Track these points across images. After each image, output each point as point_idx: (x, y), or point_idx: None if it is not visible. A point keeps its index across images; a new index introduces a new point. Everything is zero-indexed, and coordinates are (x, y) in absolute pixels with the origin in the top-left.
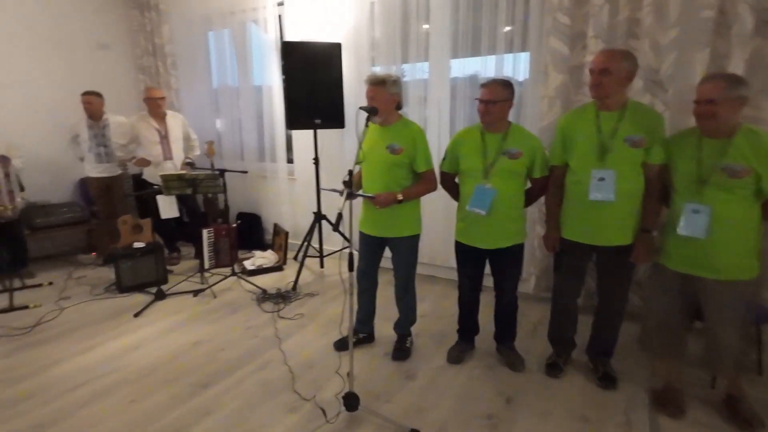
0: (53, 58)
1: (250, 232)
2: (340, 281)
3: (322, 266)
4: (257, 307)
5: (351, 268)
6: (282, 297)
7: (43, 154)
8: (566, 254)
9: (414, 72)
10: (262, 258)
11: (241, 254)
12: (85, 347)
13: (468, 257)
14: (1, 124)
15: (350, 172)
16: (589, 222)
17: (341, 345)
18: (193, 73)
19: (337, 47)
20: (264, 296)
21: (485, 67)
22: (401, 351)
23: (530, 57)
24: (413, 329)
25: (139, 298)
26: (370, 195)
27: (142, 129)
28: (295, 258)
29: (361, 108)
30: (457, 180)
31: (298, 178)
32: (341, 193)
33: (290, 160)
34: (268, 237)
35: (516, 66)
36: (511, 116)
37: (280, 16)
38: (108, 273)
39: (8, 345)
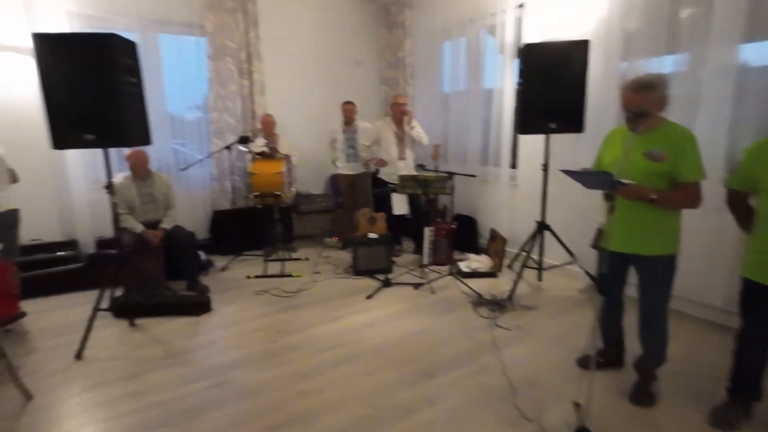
0: (321, 73)
1: (466, 234)
2: (563, 298)
3: (539, 279)
4: (473, 311)
5: (601, 291)
6: (498, 305)
7: (309, 153)
8: None
9: (678, 64)
10: (477, 262)
11: (455, 255)
12: (332, 317)
13: (763, 300)
14: (286, 128)
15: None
16: None
17: (584, 362)
18: (427, 81)
19: (582, 45)
20: (480, 301)
21: None
22: (644, 395)
23: None
24: (659, 372)
25: (369, 282)
26: (622, 181)
27: (383, 132)
28: (510, 266)
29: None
30: (751, 201)
31: (520, 184)
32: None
33: (513, 165)
34: (482, 241)
35: None
36: None
37: (518, 19)
38: (346, 256)
39: (281, 303)
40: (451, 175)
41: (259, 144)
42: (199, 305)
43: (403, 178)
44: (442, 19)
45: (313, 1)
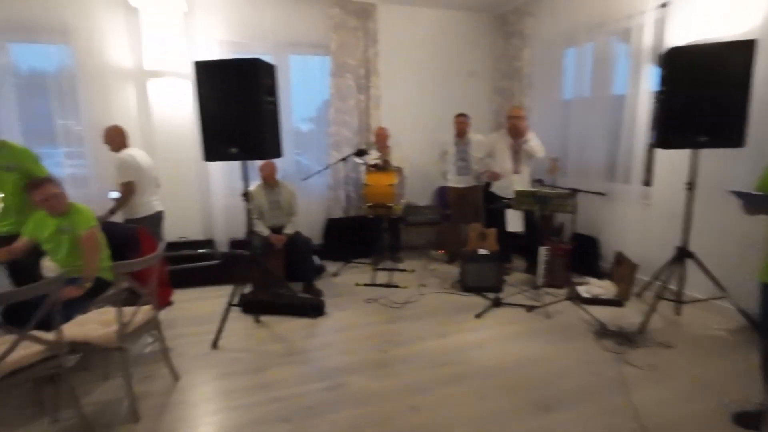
0: (434, 86)
1: (585, 255)
2: (707, 338)
3: (678, 313)
4: (595, 342)
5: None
6: (626, 338)
7: (418, 165)
8: None
9: None
10: (599, 287)
11: (573, 278)
12: (440, 333)
13: None
14: (398, 140)
15: None
16: None
17: (745, 420)
18: (545, 90)
19: (746, 45)
20: (604, 331)
21: None
22: None
23: None
24: None
25: (478, 300)
26: None
27: (497, 144)
28: (640, 295)
29: None
30: None
31: (655, 204)
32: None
33: (647, 182)
34: (605, 265)
35: None
36: None
37: (660, 20)
38: (452, 270)
39: (389, 314)
40: (574, 192)
41: (374, 156)
42: (315, 308)
43: (520, 194)
44: (566, 25)
45: (429, 16)
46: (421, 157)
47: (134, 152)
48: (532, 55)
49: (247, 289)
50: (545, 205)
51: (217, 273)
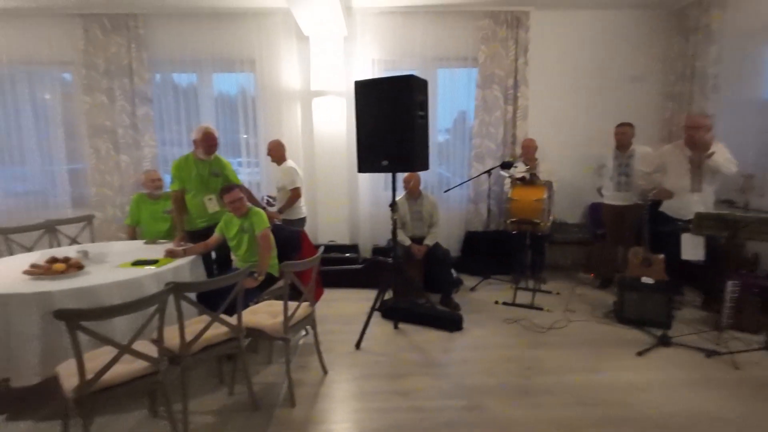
0: (589, 95)
1: None
2: None
3: None
4: None
5: None
6: None
7: (568, 179)
8: None
9: None
10: None
11: None
12: (591, 367)
13: None
14: (549, 151)
15: None
16: None
17: None
18: (736, 93)
19: None
20: None
21: None
22: None
23: None
24: None
25: (638, 335)
26: None
27: (672, 157)
28: None
29: None
30: None
31: None
32: None
33: None
34: None
35: None
36: None
37: None
38: (604, 297)
39: (532, 338)
40: None
41: (521, 169)
42: (453, 322)
43: (703, 217)
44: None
45: (588, 18)
46: (570, 171)
47: (294, 163)
48: (719, 53)
49: (388, 295)
50: (737, 231)
51: (360, 277)
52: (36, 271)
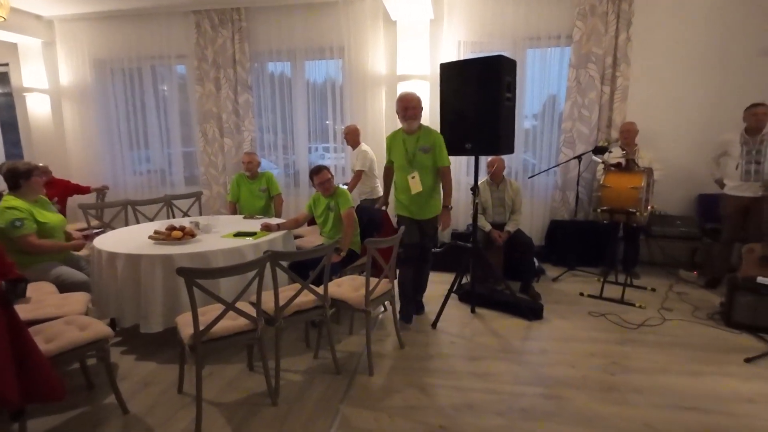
0: (706, 72)
1: None
2: None
3: None
4: None
5: None
6: None
7: (678, 167)
8: None
9: None
10: None
11: None
12: (689, 370)
13: None
14: (653, 136)
15: None
16: None
17: None
18: None
19: None
20: None
21: None
22: None
23: None
24: None
25: (749, 341)
26: None
27: None
28: None
29: None
30: None
31: None
32: None
33: None
34: None
35: None
36: None
37: None
38: (711, 297)
39: (619, 333)
40: None
41: (616, 155)
42: (533, 311)
43: None
44: None
45: None
46: (681, 159)
47: (368, 147)
48: None
49: (465, 279)
50: None
51: (438, 260)
52: (158, 237)
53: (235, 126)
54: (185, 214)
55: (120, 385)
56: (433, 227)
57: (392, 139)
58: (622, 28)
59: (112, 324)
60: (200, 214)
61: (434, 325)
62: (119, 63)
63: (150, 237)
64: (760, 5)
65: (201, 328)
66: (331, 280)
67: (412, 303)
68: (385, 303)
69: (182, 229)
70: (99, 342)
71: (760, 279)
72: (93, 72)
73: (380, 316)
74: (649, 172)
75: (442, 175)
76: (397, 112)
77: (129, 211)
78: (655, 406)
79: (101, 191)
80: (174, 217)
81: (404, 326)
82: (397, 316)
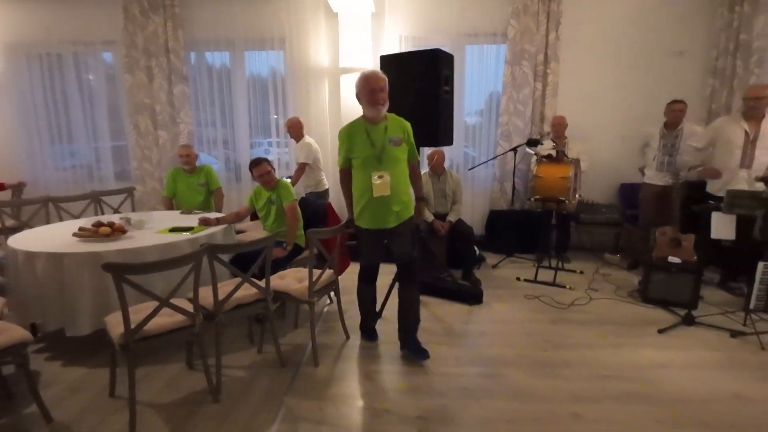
0: (627, 71)
1: None
2: None
3: None
4: None
5: None
6: None
7: (602, 159)
8: None
9: None
10: None
11: None
12: (612, 343)
13: None
14: (580, 130)
15: None
16: None
17: None
18: None
19: None
20: None
21: None
22: None
23: None
24: None
25: (662, 315)
26: None
27: (727, 131)
28: None
29: None
30: None
31: None
32: None
33: None
34: None
35: None
36: None
37: None
38: (631, 278)
39: (552, 313)
40: None
41: (547, 147)
42: (474, 296)
43: (735, 194)
44: None
45: None
46: (605, 151)
47: (311, 140)
48: (765, 25)
49: None
50: None
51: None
52: (84, 234)
53: (170, 118)
54: (116, 211)
55: (44, 393)
56: (410, 230)
57: (350, 133)
58: (552, 28)
59: (33, 329)
60: (133, 211)
61: (380, 313)
62: (35, 48)
63: (74, 234)
64: (674, 10)
65: (133, 326)
66: (275, 273)
67: (373, 315)
68: (331, 295)
69: (111, 225)
70: (15, 348)
71: (670, 258)
72: (4, 58)
73: (326, 308)
74: (576, 163)
75: (412, 169)
76: (359, 96)
77: (51, 209)
78: (581, 378)
79: (17, 188)
80: (103, 214)
81: (352, 317)
82: (343, 308)
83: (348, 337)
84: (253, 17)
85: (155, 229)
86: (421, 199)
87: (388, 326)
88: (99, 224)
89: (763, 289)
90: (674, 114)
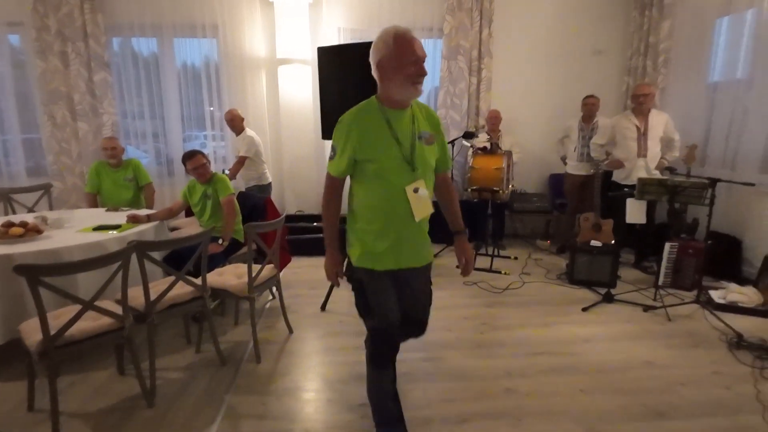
0: (553, 68)
1: (723, 257)
2: None
3: None
4: (728, 352)
5: None
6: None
7: (532, 151)
8: None
9: None
10: (740, 294)
11: (706, 281)
12: (542, 322)
13: None
14: (513, 123)
15: None
16: None
17: None
18: (686, 69)
19: None
20: (739, 342)
21: None
22: None
23: None
24: None
25: (586, 294)
26: None
27: (621, 126)
28: None
29: None
30: None
31: None
32: None
33: None
34: (750, 270)
35: None
36: None
37: None
38: (560, 261)
39: (489, 298)
40: (714, 182)
41: (482, 139)
42: None
43: (645, 182)
44: None
45: None
46: (535, 143)
47: (253, 132)
48: (673, 29)
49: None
50: (676, 196)
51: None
52: None
53: (91, 108)
54: (30, 211)
55: None
56: (427, 279)
57: (360, 122)
58: (485, 24)
59: None
60: (50, 210)
61: (323, 307)
62: None
63: None
64: (591, 12)
65: (53, 332)
66: (213, 270)
67: (399, 427)
68: (273, 290)
69: (24, 224)
70: None
71: (592, 242)
72: None
73: (267, 304)
74: (509, 154)
75: (445, 182)
76: (383, 66)
77: None
78: (514, 356)
79: None
80: (14, 213)
81: (295, 311)
82: (285, 303)
83: (291, 332)
84: (182, 2)
85: (77, 228)
86: (463, 231)
87: (332, 318)
88: (9, 224)
89: (669, 267)
90: (588, 108)
